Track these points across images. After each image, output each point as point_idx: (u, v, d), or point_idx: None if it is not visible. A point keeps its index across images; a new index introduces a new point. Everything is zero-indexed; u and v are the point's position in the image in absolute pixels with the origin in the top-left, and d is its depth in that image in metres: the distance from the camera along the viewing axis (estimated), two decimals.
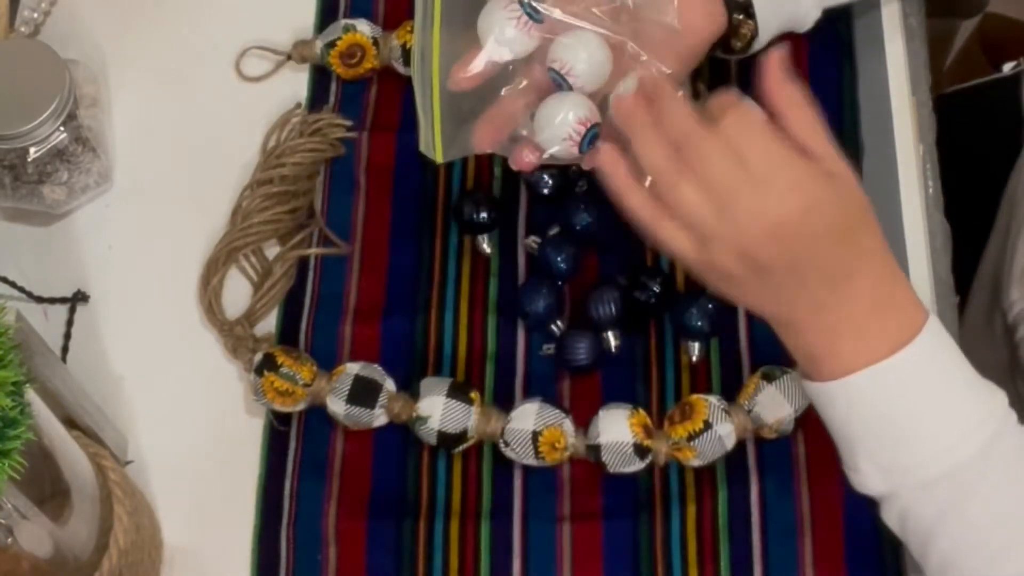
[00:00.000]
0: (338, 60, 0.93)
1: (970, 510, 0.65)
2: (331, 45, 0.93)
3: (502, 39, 0.76)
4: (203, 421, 0.87)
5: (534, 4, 0.75)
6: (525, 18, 0.75)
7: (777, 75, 0.67)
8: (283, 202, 0.90)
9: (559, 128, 0.74)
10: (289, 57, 0.95)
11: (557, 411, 0.81)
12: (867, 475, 0.68)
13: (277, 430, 0.85)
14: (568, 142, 0.74)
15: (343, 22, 0.93)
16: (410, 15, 0.95)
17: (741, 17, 0.82)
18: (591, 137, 0.74)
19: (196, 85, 0.97)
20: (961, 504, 0.65)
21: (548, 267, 0.87)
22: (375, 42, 0.93)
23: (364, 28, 0.93)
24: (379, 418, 0.83)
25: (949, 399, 0.66)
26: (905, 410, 0.66)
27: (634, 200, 0.67)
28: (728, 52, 0.85)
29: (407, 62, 0.92)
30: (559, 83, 0.75)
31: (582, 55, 0.75)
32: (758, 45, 0.84)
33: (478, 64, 0.76)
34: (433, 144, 0.78)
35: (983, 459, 0.65)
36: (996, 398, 0.67)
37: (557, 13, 0.75)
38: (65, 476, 0.70)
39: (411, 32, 0.92)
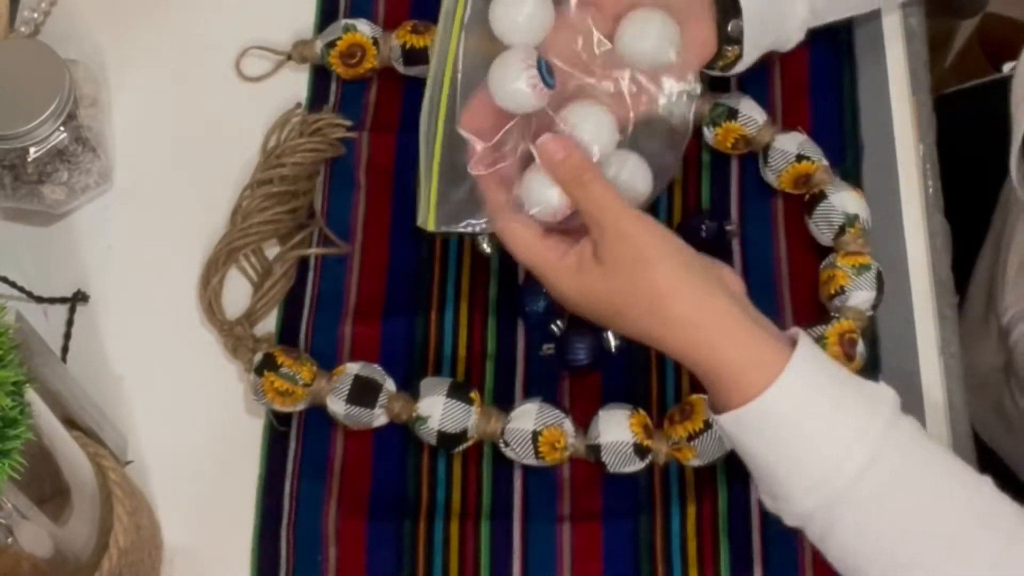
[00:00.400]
0: (338, 60, 0.93)
1: (842, 539, 0.68)
2: (331, 45, 0.93)
3: (515, 98, 0.76)
4: (203, 421, 0.87)
5: (550, 67, 0.76)
6: (541, 85, 0.75)
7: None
8: (283, 202, 0.90)
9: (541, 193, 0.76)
10: (289, 57, 0.95)
11: (557, 411, 0.81)
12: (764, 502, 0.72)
13: (277, 430, 0.85)
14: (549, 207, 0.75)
15: (343, 22, 0.93)
16: (410, 15, 0.95)
17: (730, 48, 0.84)
18: (546, 72, 0.75)
19: (196, 85, 0.97)
20: (833, 534, 0.68)
21: None
22: (375, 42, 0.93)
23: (364, 28, 0.93)
24: (379, 418, 0.83)
25: (811, 438, 0.68)
26: (768, 451, 0.69)
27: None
28: (708, 69, 0.86)
29: (407, 62, 0.92)
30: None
31: (589, 127, 0.76)
32: (740, 67, 0.85)
33: (485, 115, 0.77)
34: (428, 211, 0.78)
35: (853, 490, 0.67)
36: (873, 415, 0.68)
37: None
38: (65, 476, 0.70)
39: (411, 32, 0.92)
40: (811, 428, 0.68)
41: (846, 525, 0.68)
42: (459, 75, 0.78)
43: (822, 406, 0.68)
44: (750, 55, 0.84)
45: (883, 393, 0.69)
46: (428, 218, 0.78)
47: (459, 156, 0.78)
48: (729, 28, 0.82)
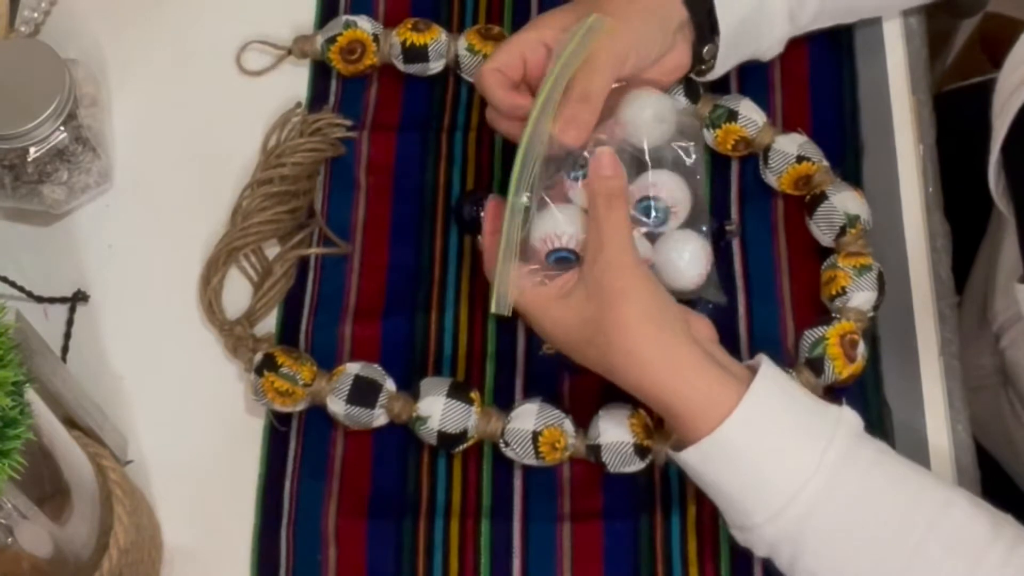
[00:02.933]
0: (338, 56, 0.93)
1: (808, 566, 0.70)
2: (331, 40, 0.93)
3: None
4: (203, 421, 0.87)
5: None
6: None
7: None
8: (283, 202, 0.90)
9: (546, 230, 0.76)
10: (289, 52, 0.95)
11: (557, 411, 0.81)
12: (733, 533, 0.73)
13: (277, 430, 0.85)
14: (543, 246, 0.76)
15: (344, 18, 0.93)
16: (411, 12, 0.95)
17: (704, 67, 0.86)
18: (556, 257, 0.76)
19: (196, 85, 0.97)
20: (799, 562, 0.70)
21: None
22: (375, 39, 0.93)
23: (365, 24, 0.93)
24: (379, 418, 0.83)
25: (768, 469, 0.69)
26: (728, 483, 0.70)
27: None
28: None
29: (407, 60, 0.92)
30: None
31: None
32: (710, 78, 0.87)
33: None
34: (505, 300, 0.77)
35: (811, 519, 0.68)
36: (830, 442, 0.69)
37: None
38: (65, 476, 0.70)
39: (411, 30, 0.92)
40: (767, 459, 0.69)
41: (809, 553, 0.69)
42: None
43: (778, 436, 0.69)
44: (723, 67, 0.86)
45: (844, 418, 0.70)
46: (504, 304, 0.77)
47: None
48: (704, 51, 0.84)
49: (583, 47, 0.77)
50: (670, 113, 0.80)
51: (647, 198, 0.78)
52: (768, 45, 0.88)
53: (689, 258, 0.78)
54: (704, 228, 0.80)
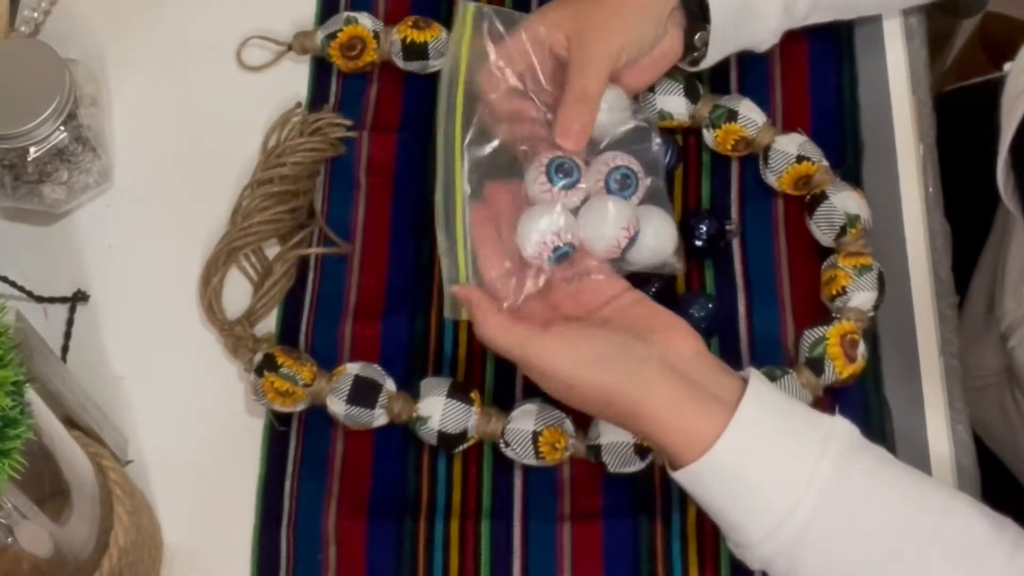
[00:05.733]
0: (338, 52, 0.93)
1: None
2: (332, 36, 0.93)
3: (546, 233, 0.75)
4: (203, 421, 0.87)
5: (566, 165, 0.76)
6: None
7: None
8: (283, 202, 0.90)
9: (534, 234, 0.74)
10: (290, 48, 0.95)
11: (557, 411, 0.81)
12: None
13: (277, 430, 0.85)
14: (542, 249, 0.74)
15: (344, 14, 0.94)
16: (411, 10, 0.95)
17: (696, 54, 0.85)
18: (560, 255, 0.75)
19: (196, 84, 0.97)
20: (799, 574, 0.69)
21: None
22: (376, 35, 0.93)
23: (365, 21, 0.93)
24: (379, 418, 0.83)
25: (761, 486, 0.68)
26: (723, 503, 0.70)
27: None
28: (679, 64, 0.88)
29: (407, 57, 0.92)
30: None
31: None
32: (703, 67, 0.87)
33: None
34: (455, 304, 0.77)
35: (807, 533, 0.68)
36: (822, 454, 0.68)
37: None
38: (65, 476, 0.70)
39: (411, 27, 0.92)
40: (758, 478, 0.68)
41: (806, 567, 0.69)
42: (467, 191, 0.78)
43: (767, 454, 0.68)
44: (715, 56, 0.86)
45: (836, 430, 0.69)
46: (459, 310, 0.76)
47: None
48: (696, 38, 0.84)
49: (459, 42, 0.76)
50: (623, 102, 0.80)
51: (622, 167, 0.77)
52: (762, 36, 0.87)
53: (653, 233, 0.77)
54: (665, 207, 0.79)
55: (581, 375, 0.70)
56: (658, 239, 0.77)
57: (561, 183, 0.75)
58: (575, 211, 0.76)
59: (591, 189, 0.76)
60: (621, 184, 0.76)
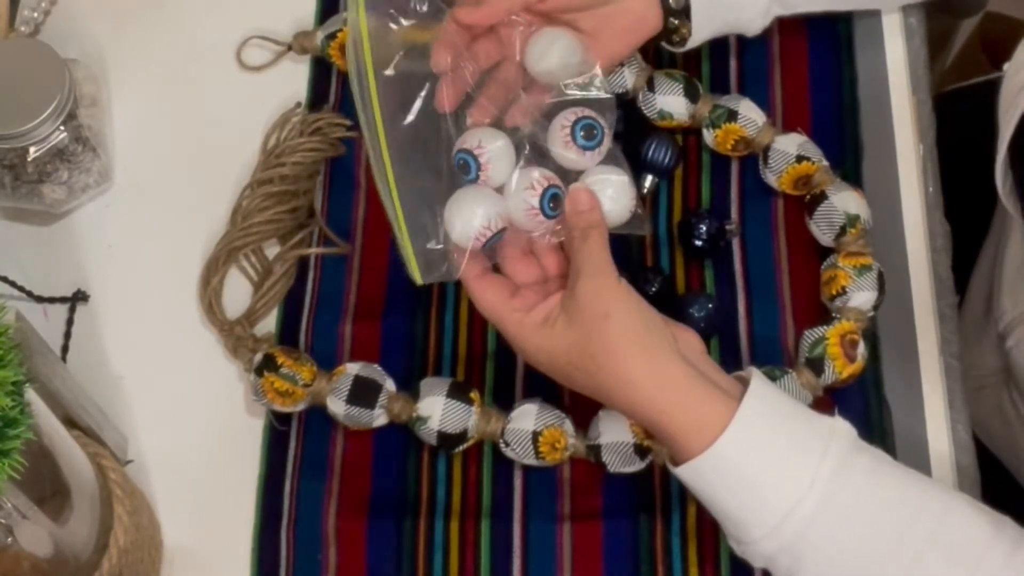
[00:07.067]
0: (338, 52, 0.93)
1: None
2: (332, 36, 0.93)
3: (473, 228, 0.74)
4: (203, 421, 0.87)
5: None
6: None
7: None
8: (283, 202, 0.90)
9: (468, 226, 0.74)
10: (290, 48, 0.95)
11: (557, 411, 0.81)
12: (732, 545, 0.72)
13: (277, 430, 0.85)
14: (476, 240, 0.74)
15: (344, 14, 0.94)
16: None
17: (677, 22, 0.84)
18: (550, 195, 0.74)
19: (196, 84, 0.97)
20: (800, 572, 0.69)
21: None
22: None
23: None
24: (379, 418, 0.83)
25: (762, 485, 0.69)
26: (724, 500, 0.70)
27: None
28: (669, 45, 0.87)
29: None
30: (468, 164, 0.75)
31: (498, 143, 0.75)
32: (692, 43, 0.86)
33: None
34: (412, 268, 0.76)
35: (808, 532, 0.68)
36: (823, 454, 0.68)
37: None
38: (65, 476, 0.70)
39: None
40: (761, 475, 0.68)
41: (807, 565, 0.69)
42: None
43: (770, 454, 0.69)
44: (701, 31, 0.85)
45: (837, 429, 0.69)
46: (415, 274, 0.76)
47: (422, 214, 0.76)
48: (672, 1, 0.83)
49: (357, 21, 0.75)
50: (576, 54, 0.78)
51: (586, 118, 0.75)
52: (750, 15, 0.86)
53: (613, 194, 0.76)
54: (623, 168, 0.77)
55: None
56: (618, 201, 0.76)
57: (586, 145, 0.75)
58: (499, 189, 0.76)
59: (555, 140, 0.75)
60: (587, 135, 0.75)
